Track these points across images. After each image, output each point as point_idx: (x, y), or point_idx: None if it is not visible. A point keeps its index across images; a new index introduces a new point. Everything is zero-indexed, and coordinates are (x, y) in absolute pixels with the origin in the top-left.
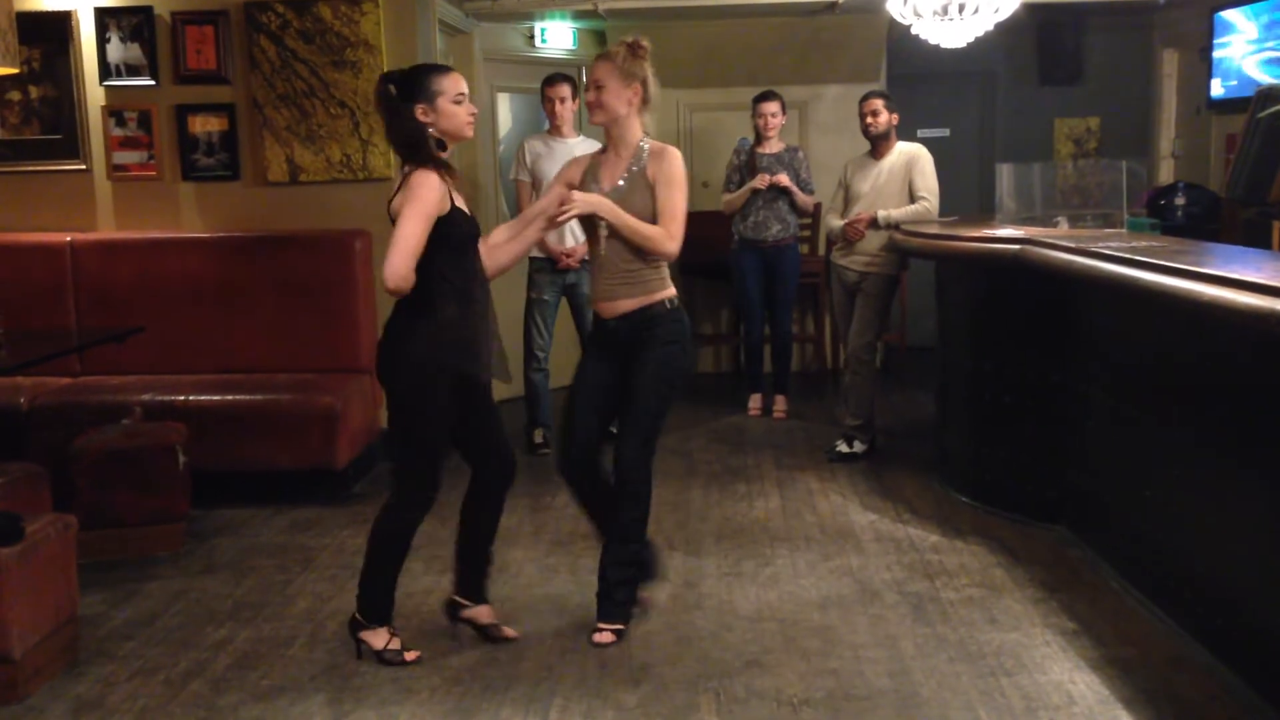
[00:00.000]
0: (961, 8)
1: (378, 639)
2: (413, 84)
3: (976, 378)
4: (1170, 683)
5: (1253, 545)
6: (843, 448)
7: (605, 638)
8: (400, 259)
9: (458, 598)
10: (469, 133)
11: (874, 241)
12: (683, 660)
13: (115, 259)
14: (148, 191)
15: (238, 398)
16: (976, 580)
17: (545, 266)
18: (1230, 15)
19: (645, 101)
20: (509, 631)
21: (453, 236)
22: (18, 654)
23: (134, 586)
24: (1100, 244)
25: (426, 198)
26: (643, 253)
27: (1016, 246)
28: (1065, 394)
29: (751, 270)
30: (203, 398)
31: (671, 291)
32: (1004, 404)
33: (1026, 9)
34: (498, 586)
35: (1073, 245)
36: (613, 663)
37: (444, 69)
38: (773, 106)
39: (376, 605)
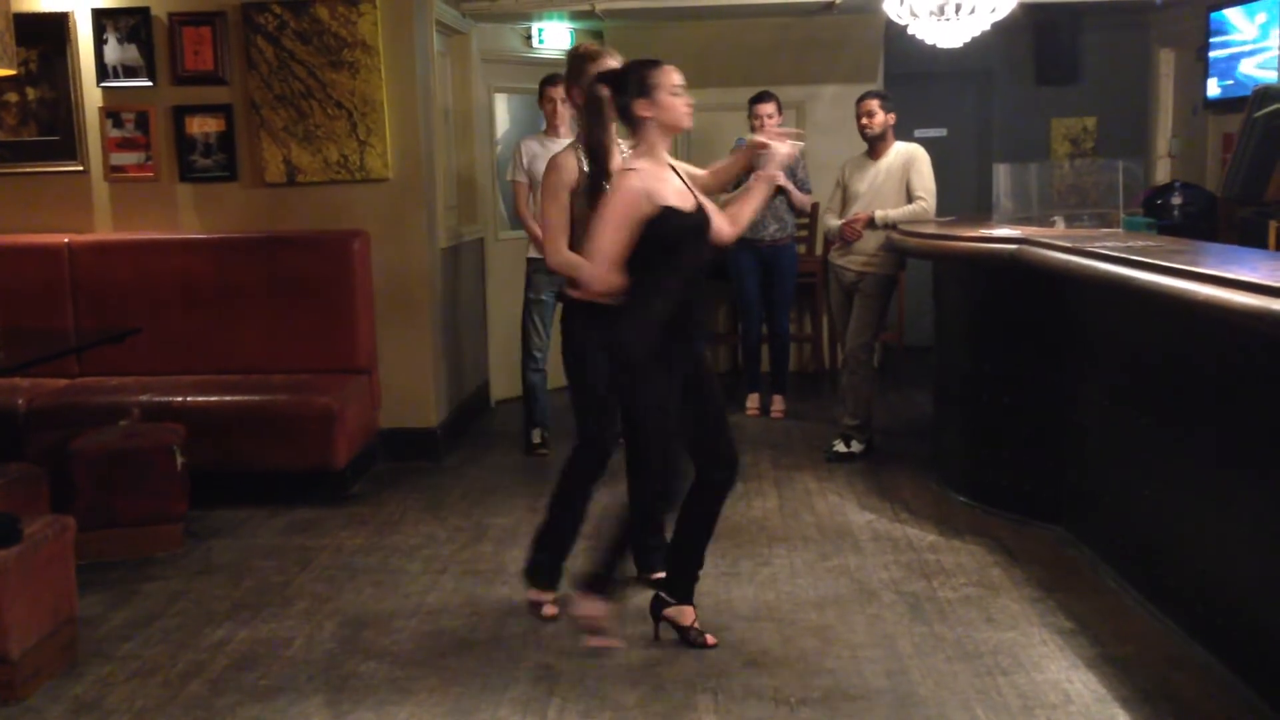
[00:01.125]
0: (958, 8)
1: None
2: (630, 81)
3: (974, 377)
4: (1167, 681)
5: (1250, 544)
6: (840, 447)
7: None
8: (597, 269)
9: (663, 594)
10: (688, 123)
11: (871, 241)
12: (680, 660)
13: (113, 260)
14: (145, 192)
15: (236, 398)
16: (974, 579)
17: (543, 266)
18: (1227, 15)
19: None
20: (709, 639)
21: (662, 237)
22: (16, 655)
23: (132, 587)
24: (1097, 244)
25: (620, 208)
26: None
27: (1013, 246)
28: (1062, 394)
29: (749, 270)
30: (201, 399)
31: None
32: (1001, 404)
33: (1023, 9)
34: (494, 587)
35: (1069, 245)
36: (611, 662)
37: (657, 63)
38: (769, 107)
39: (593, 577)
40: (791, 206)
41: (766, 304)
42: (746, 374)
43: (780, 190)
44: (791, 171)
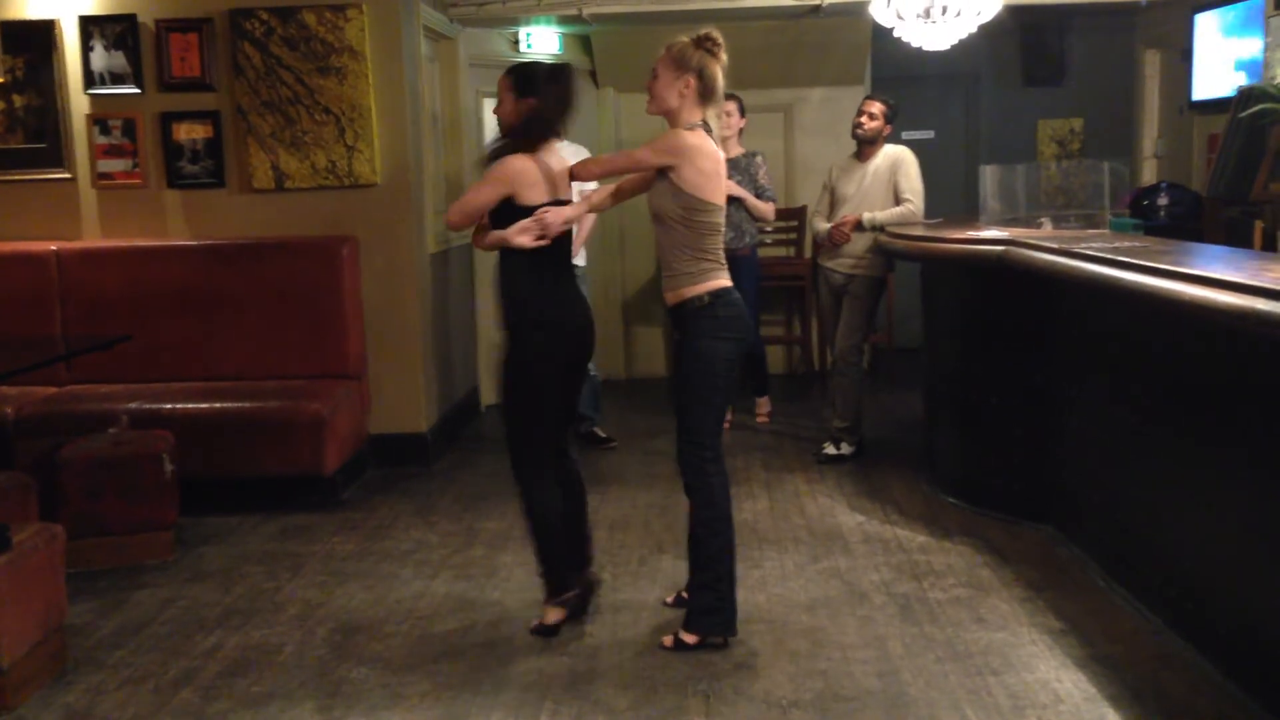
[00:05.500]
0: (944, 10)
1: None
2: None
3: (962, 379)
4: (1156, 679)
5: (1237, 543)
6: (830, 450)
7: (669, 642)
8: None
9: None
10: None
11: (860, 244)
12: (672, 663)
13: (101, 267)
14: (133, 199)
15: (225, 405)
16: (964, 580)
17: None
18: (1211, 16)
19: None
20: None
21: None
22: (6, 664)
23: (122, 595)
24: (1083, 244)
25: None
26: (673, 247)
27: (1000, 248)
28: (1050, 394)
29: None
30: (190, 405)
31: (705, 287)
32: (990, 404)
33: (1009, 11)
34: (485, 590)
35: (1056, 246)
36: (603, 666)
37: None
38: (729, 105)
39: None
40: (752, 216)
41: None
42: None
43: (733, 200)
44: (752, 179)
